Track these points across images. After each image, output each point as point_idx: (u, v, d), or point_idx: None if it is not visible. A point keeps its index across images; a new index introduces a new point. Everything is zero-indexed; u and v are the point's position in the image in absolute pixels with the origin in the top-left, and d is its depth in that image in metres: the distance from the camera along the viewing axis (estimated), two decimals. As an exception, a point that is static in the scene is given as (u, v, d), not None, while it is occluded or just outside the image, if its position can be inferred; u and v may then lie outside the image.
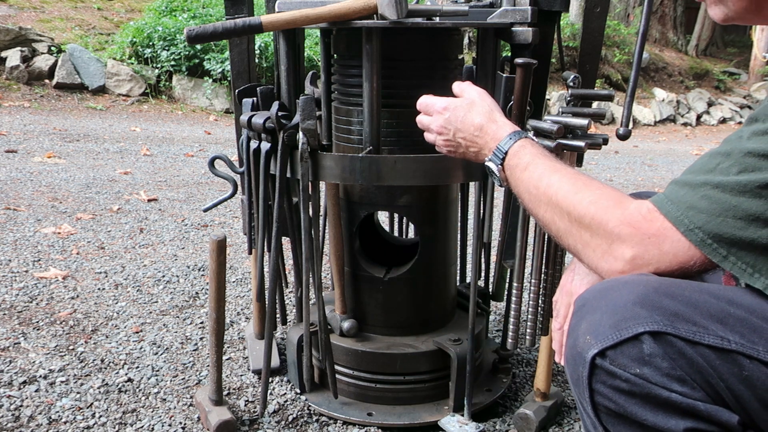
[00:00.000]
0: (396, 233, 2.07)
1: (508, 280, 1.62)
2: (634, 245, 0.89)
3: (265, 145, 1.52)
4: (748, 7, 0.93)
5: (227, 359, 1.95)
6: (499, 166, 1.12)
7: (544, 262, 1.46)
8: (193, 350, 1.99)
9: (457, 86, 1.29)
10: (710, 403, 0.82)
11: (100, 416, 1.64)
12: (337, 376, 1.67)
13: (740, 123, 9.14)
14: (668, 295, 0.84)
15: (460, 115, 1.22)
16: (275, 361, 1.85)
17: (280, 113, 1.47)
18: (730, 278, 1.05)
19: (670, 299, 0.84)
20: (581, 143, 1.32)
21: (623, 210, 0.91)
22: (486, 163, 1.16)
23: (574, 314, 0.92)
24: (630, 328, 0.83)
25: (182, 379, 1.83)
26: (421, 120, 1.30)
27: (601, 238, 0.92)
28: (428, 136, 1.30)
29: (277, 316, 1.84)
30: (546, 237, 1.45)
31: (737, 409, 0.82)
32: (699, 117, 9.78)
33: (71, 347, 1.97)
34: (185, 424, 1.62)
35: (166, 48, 7.47)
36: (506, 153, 1.12)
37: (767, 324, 0.82)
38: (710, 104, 10.01)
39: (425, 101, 1.29)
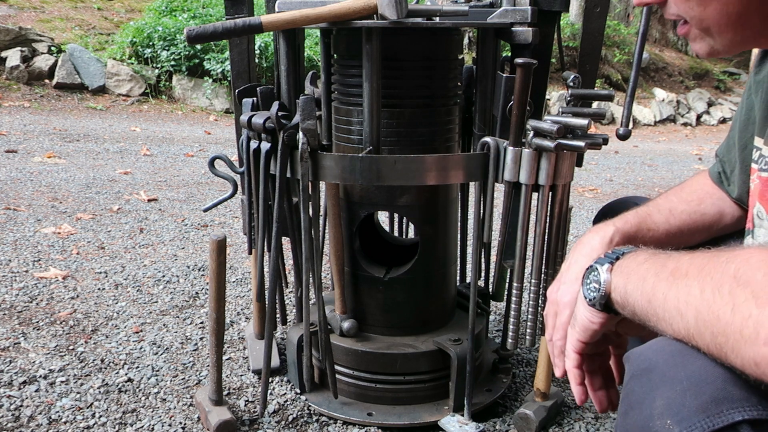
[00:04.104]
0: (396, 233, 2.07)
1: (508, 280, 1.62)
2: None
3: (265, 145, 1.52)
4: (733, 38, 0.92)
5: (227, 359, 1.95)
6: (608, 265, 0.87)
7: (544, 262, 1.46)
8: (193, 350, 1.99)
9: None
10: None
11: (100, 416, 1.64)
12: (337, 376, 1.67)
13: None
14: None
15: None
16: (275, 361, 1.85)
17: (280, 113, 1.47)
18: None
19: None
20: (581, 143, 1.33)
21: None
22: (585, 272, 0.90)
23: (635, 378, 0.77)
24: (724, 414, 0.67)
25: (182, 379, 1.83)
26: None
27: None
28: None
29: (277, 316, 1.84)
30: (546, 237, 1.45)
31: None
32: (699, 117, 9.77)
33: (71, 347, 1.97)
34: (185, 424, 1.62)
35: (166, 48, 7.47)
36: (623, 253, 0.87)
37: None
38: (710, 104, 10.00)
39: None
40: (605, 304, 0.87)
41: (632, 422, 0.75)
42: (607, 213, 1.46)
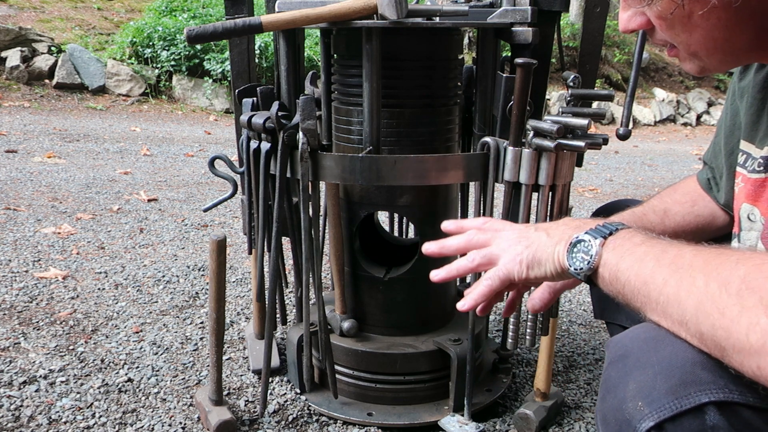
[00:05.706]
0: (396, 233, 2.07)
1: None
2: None
3: (265, 145, 1.52)
4: (723, 58, 0.92)
5: (227, 359, 1.95)
6: (601, 239, 0.85)
7: (544, 262, 1.45)
8: (193, 350, 1.99)
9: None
10: None
11: (100, 416, 1.64)
12: (337, 376, 1.67)
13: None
14: None
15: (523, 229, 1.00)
16: (275, 361, 1.85)
17: (280, 113, 1.47)
18: None
19: None
20: (581, 143, 1.32)
21: None
22: (573, 241, 0.88)
23: (612, 364, 0.80)
24: (691, 396, 0.70)
25: (182, 379, 1.83)
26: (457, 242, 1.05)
27: None
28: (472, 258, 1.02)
29: (277, 316, 1.84)
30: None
31: None
32: (699, 117, 9.78)
33: (71, 347, 1.97)
34: (185, 424, 1.62)
35: (166, 48, 7.47)
36: (616, 229, 0.86)
37: None
38: (710, 104, 10.00)
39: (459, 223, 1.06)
40: (589, 276, 0.87)
41: (608, 405, 0.78)
42: (600, 215, 1.46)
